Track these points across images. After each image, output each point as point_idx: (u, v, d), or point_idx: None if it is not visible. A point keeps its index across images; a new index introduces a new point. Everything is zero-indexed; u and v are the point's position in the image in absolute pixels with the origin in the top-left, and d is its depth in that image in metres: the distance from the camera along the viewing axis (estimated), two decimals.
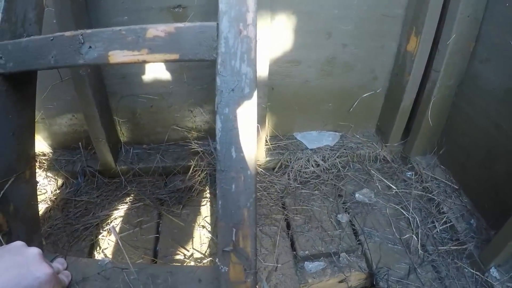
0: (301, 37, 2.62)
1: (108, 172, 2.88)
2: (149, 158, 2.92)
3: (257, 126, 2.53)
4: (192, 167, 2.80)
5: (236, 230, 1.26)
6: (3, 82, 1.52)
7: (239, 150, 1.20)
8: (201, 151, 2.82)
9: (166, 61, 1.29)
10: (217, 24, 1.23)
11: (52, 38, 1.40)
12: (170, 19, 2.44)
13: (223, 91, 1.20)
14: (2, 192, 1.54)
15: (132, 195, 2.76)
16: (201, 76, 2.65)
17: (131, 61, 1.31)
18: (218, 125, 1.20)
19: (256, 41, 1.23)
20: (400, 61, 2.81)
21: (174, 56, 1.28)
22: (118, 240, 2.34)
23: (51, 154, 2.98)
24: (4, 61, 1.48)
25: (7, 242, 1.52)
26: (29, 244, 1.71)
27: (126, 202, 2.71)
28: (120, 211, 2.64)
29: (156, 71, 2.61)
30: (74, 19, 2.21)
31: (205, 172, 2.77)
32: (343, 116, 3.08)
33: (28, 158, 1.73)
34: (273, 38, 2.59)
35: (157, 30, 1.27)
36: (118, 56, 1.31)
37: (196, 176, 2.77)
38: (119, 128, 2.92)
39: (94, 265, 1.72)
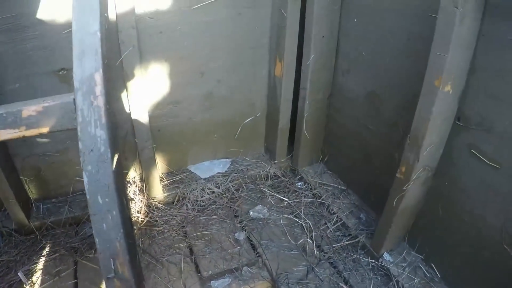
0: (177, 80, 2.92)
1: (23, 229, 3.05)
2: (59, 210, 3.12)
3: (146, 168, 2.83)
4: None
5: (113, 260, 1.58)
6: None
7: (103, 196, 1.52)
8: None
9: (40, 134, 1.60)
10: (74, 98, 1.56)
11: None
12: (57, 81, 2.68)
13: (85, 153, 1.52)
14: None
15: (48, 247, 2.94)
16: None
17: (13, 138, 1.60)
18: (85, 179, 1.52)
19: (106, 107, 1.56)
20: (271, 85, 3.15)
21: (45, 129, 1.59)
22: (27, 284, 2.55)
23: None
24: None
25: None
26: None
27: (43, 255, 2.89)
28: (39, 264, 2.82)
29: (53, 130, 2.78)
30: None
31: None
32: (231, 143, 3.38)
33: None
34: (151, 85, 2.86)
35: (29, 110, 1.57)
36: (3, 134, 1.59)
37: None
38: (27, 186, 3.09)
39: None
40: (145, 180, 3.10)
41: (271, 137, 3.39)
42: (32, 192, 3.14)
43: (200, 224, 3.03)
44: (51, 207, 3.16)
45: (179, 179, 3.32)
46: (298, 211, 3.06)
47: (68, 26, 2.44)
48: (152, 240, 2.91)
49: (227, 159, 3.46)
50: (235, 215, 3.11)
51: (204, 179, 3.32)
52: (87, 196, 1.52)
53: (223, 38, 2.87)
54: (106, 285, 1.60)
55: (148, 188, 3.10)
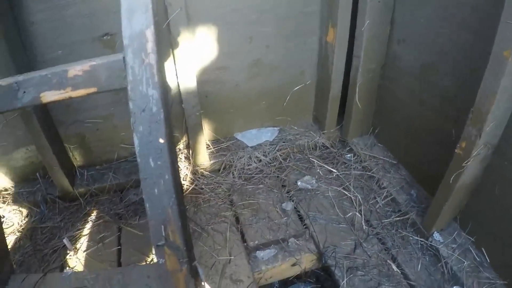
0: (225, 45, 2.85)
1: (67, 196, 3.08)
2: (103, 177, 3.13)
3: (190, 133, 2.77)
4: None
5: (164, 227, 1.51)
6: None
7: (155, 159, 1.45)
8: None
9: (88, 95, 1.54)
10: (123, 56, 1.48)
11: None
12: (101, 47, 2.65)
13: (136, 113, 1.45)
14: None
15: (92, 214, 2.97)
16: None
17: (59, 99, 1.56)
18: (136, 141, 1.46)
19: (158, 66, 1.48)
20: (323, 53, 3.05)
21: (93, 90, 1.54)
22: (72, 250, 2.53)
23: (12, 188, 3.15)
24: None
25: None
26: (0, 269, 1.95)
27: (87, 221, 2.91)
28: (83, 231, 2.84)
29: (96, 96, 2.73)
30: (12, 59, 2.43)
31: None
32: (279, 111, 3.31)
33: None
34: (198, 50, 2.80)
35: (75, 69, 1.52)
36: (48, 96, 1.56)
37: None
38: (71, 154, 3.11)
39: (59, 277, 1.95)
40: (191, 147, 3.07)
41: (321, 106, 3.30)
42: (76, 159, 3.16)
43: (246, 193, 3.00)
44: (95, 174, 3.18)
45: (225, 146, 3.29)
46: (347, 183, 2.99)
47: None
48: (198, 208, 2.90)
49: (275, 128, 3.40)
50: (282, 185, 3.07)
51: (251, 147, 3.28)
52: (138, 159, 1.46)
53: (273, 2, 2.78)
54: (156, 253, 1.55)
55: (194, 155, 3.08)
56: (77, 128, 2.99)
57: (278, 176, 3.13)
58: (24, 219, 3.04)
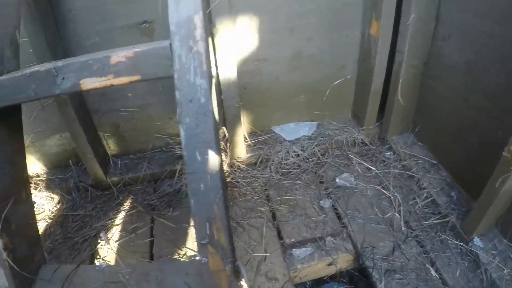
0: (266, 36, 2.76)
1: (100, 185, 3.04)
2: (137, 167, 3.09)
3: (230, 126, 2.68)
4: (177, 170, 2.97)
5: (209, 224, 1.43)
6: None
7: (202, 153, 1.37)
8: None
9: (130, 83, 1.46)
10: (170, 43, 1.38)
11: (29, 74, 1.57)
12: (138, 34, 2.58)
13: (183, 103, 1.37)
14: (3, 215, 1.68)
15: (125, 204, 2.93)
16: (173, 84, 2.75)
17: (100, 86, 1.49)
18: (182, 133, 1.38)
19: (207, 54, 1.39)
20: (365, 46, 2.94)
21: (137, 78, 1.46)
22: (108, 244, 2.49)
23: (45, 175, 3.13)
24: None
25: (12, 259, 1.69)
26: (33, 257, 1.89)
27: (120, 211, 2.88)
28: (115, 220, 2.81)
29: (132, 85, 2.76)
30: (49, 47, 2.38)
31: None
32: (318, 105, 3.22)
33: (23, 181, 1.90)
34: (239, 40, 2.72)
35: (118, 56, 1.44)
36: (88, 83, 1.49)
37: (183, 179, 2.93)
38: (105, 142, 3.07)
39: (92, 270, 1.88)
40: (229, 139, 2.99)
41: (361, 101, 3.19)
42: (110, 147, 3.13)
43: (283, 188, 2.92)
44: (129, 164, 3.14)
45: (263, 140, 3.21)
46: (386, 182, 2.89)
47: None
48: (234, 201, 2.83)
49: (313, 122, 3.30)
50: (320, 181, 2.98)
51: (289, 141, 3.19)
52: (184, 152, 1.39)
53: None
54: (199, 251, 1.48)
55: (231, 147, 3.01)
56: (112, 117, 2.95)
57: (316, 172, 3.04)
58: (55, 206, 3.02)
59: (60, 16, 2.47)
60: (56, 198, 3.06)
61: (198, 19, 1.40)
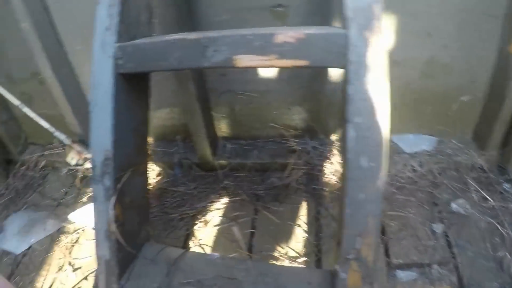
0: (401, 37, 2.59)
1: (206, 165, 2.98)
2: (246, 153, 2.99)
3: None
4: (289, 164, 2.84)
5: (360, 239, 1.27)
6: (123, 82, 1.62)
7: (369, 159, 1.23)
8: (299, 149, 2.87)
9: (295, 67, 1.33)
10: (345, 31, 1.23)
11: (173, 41, 1.50)
12: (271, 18, 2.46)
13: (355, 100, 1.22)
14: (120, 185, 1.60)
15: (229, 189, 2.84)
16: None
17: (258, 66, 1.37)
18: (350, 133, 1.24)
19: (384, 48, 1.24)
20: (501, 65, 2.69)
21: (304, 63, 1.32)
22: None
23: (149, 146, 3.09)
24: (124, 62, 1.57)
25: (121, 233, 1.61)
26: (139, 234, 1.80)
27: (223, 196, 2.80)
28: (216, 204, 2.74)
29: (254, 69, 2.66)
30: (176, 20, 2.32)
31: (302, 171, 2.82)
32: (441, 120, 3.01)
33: (144, 153, 1.85)
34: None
35: (286, 35, 1.31)
36: (245, 60, 1.38)
37: (293, 175, 2.81)
38: (217, 123, 3.01)
39: (202, 259, 1.77)
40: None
41: (486, 124, 2.95)
42: (221, 129, 3.06)
43: (397, 203, 2.74)
44: (239, 149, 3.05)
45: None
46: (502, 217, 2.64)
47: None
48: None
49: (433, 137, 3.09)
50: (434, 203, 2.78)
51: (408, 153, 2.99)
52: (348, 155, 1.27)
53: None
54: (339, 264, 1.36)
55: None
56: (229, 99, 2.87)
57: (431, 192, 2.84)
58: (155, 178, 3.00)
59: None
60: (157, 170, 3.03)
61: (377, 9, 1.27)
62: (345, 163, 1.32)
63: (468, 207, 2.70)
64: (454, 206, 2.72)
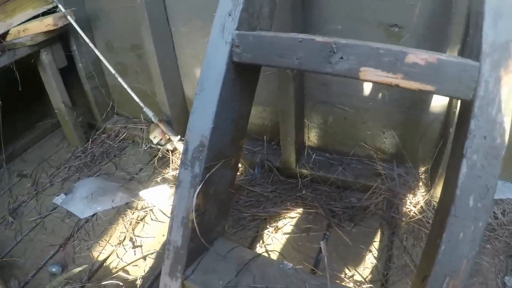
0: None
1: (287, 171, 2.97)
2: (331, 168, 2.95)
3: None
4: (372, 188, 2.80)
5: (448, 279, 1.24)
6: (234, 71, 1.63)
7: (477, 199, 1.21)
8: (384, 174, 2.81)
9: (420, 91, 1.31)
10: (478, 64, 1.20)
11: (300, 39, 1.49)
12: (384, 36, 2.44)
13: (476, 136, 1.20)
14: (209, 174, 1.61)
15: (306, 200, 2.81)
16: (402, 99, 2.63)
17: (383, 82, 1.36)
18: (463, 170, 1.21)
19: None
20: None
21: (430, 88, 1.31)
22: (325, 255, 2.37)
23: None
24: (241, 51, 1.57)
25: (198, 223, 1.62)
26: (214, 227, 1.81)
27: (298, 205, 2.77)
28: (290, 212, 2.72)
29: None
30: (290, 20, 2.32)
31: (383, 196, 2.76)
32: None
33: (238, 146, 1.85)
34: None
35: (417, 57, 1.29)
36: (370, 74, 1.37)
37: (373, 198, 2.76)
38: (307, 131, 2.99)
39: (275, 266, 1.76)
40: (438, 175, 2.72)
41: None
42: (309, 138, 3.04)
43: None
44: (323, 161, 3.01)
45: None
46: None
47: None
48: (418, 241, 2.59)
49: None
50: (510, 255, 2.66)
51: (493, 199, 2.83)
52: (457, 192, 1.19)
53: None
54: None
55: (435, 185, 2.72)
56: (324, 109, 2.84)
57: (508, 243, 2.73)
58: None
59: None
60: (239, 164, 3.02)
61: None
62: (448, 197, 1.29)
63: None
64: None
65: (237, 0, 1.57)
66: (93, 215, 2.87)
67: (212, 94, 1.57)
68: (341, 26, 2.47)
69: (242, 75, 1.66)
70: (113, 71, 3.02)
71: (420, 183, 2.82)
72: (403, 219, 2.67)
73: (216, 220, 1.84)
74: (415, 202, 2.76)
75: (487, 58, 1.21)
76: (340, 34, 2.46)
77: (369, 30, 2.44)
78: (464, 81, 1.23)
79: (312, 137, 3.02)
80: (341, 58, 1.39)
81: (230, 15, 1.58)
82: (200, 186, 1.60)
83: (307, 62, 1.46)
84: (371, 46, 1.34)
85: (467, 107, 1.27)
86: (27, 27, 2.98)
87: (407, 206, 2.74)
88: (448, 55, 1.32)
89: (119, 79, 3.01)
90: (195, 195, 1.60)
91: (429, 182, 2.81)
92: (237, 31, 1.56)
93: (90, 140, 3.70)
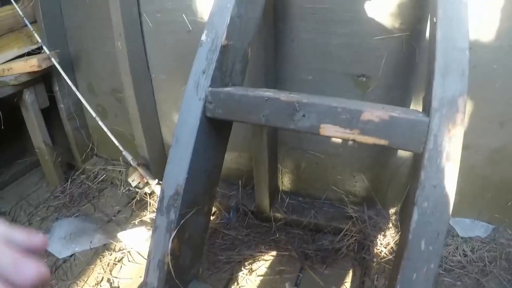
0: (474, 123, 2.62)
1: (261, 215, 3.06)
2: (303, 211, 3.04)
3: None
4: (343, 230, 2.89)
5: None
6: (207, 125, 1.75)
7: (428, 243, 1.31)
8: (355, 216, 2.91)
9: (374, 145, 1.43)
10: (429, 120, 1.34)
11: (267, 98, 1.59)
12: (352, 85, 2.57)
13: (426, 186, 1.32)
14: (183, 221, 1.72)
15: (279, 243, 2.89)
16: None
17: (341, 137, 1.49)
18: (415, 216, 1.32)
19: (461, 141, 1.36)
20: None
21: (383, 142, 1.43)
22: None
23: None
24: (213, 107, 1.69)
25: (174, 266, 1.72)
26: (189, 270, 1.91)
27: (272, 248, 2.85)
28: (264, 255, 2.80)
29: None
30: (263, 70, 2.46)
31: (355, 238, 2.85)
32: (501, 208, 2.99)
33: (211, 194, 1.96)
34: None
35: (372, 114, 1.41)
36: (329, 130, 1.49)
37: (345, 240, 2.85)
38: (280, 176, 3.08)
39: None
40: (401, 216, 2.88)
41: None
42: (283, 183, 3.13)
43: (442, 286, 2.77)
44: (296, 205, 3.11)
45: None
46: None
47: (381, 32, 2.37)
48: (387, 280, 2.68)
49: (490, 225, 3.09)
50: None
51: (462, 238, 3.02)
52: (409, 236, 1.33)
53: None
54: None
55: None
56: (297, 155, 2.95)
57: (478, 280, 2.83)
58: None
59: (282, 44, 2.53)
60: (213, 210, 3.08)
61: (462, 102, 1.35)
62: (403, 242, 1.39)
63: None
64: None
65: (211, 59, 1.69)
66: (71, 255, 2.91)
67: (186, 147, 1.67)
68: (312, 76, 2.59)
69: (215, 129, 1.77)
70: (93, 114, 3.10)
71: (390, 224, 2.92)
72: (374, 259, 2.76)
73: (190, 263, 1.92)
74: (386, 243, 2.85)
75: (436, 113, 1.34)
76: (310, 84, 2.61)
77: (338, 80, 2.56)
78: (415, 136, 1.36)
79: (285, 181, 3.12)
80: (303, 115, 1.51)
81: (204, 72, 1.69)
82: (175, 231, 1.69)
83: (272, 119, 1.58)
84: (330, 105, 1.46)
85: (418, 159, 1.40)
86: (12, 66, 3.06)
87: (378, 247, 2.83)
88: (401, 111, 1.42)
89: (99, 122, 3.09)
90: (171, 240, 1.68)
91: (398, 223, 2.90)
92: (210, 88, 1.67)
93: (70, 181, 3.75)
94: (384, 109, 1.42)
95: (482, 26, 2.30)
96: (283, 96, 1.58)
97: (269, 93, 1.61)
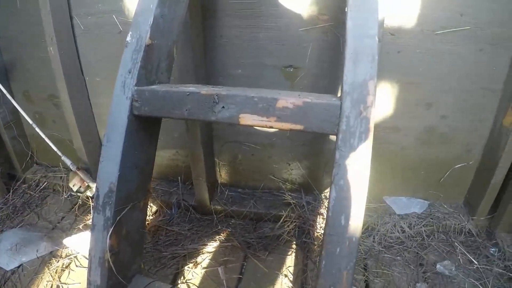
0: (402, 106, 2.75)
1: (202, 209, 3.11)
2: (243, 202, 3.12)
3: None
4: (283, 217, 2.97)
5: None
6: (135, 123, 1.81)
7: (347, 218, 1.39)
8: (293, 203, 3.00)
9: (290, 130, 1.51)
10: (341, 103, 1.42)
11: (188, 93, 1.66)
12: (282, 77, 2.65)
13: (341, 165, 1.41)
14: (119, 217, 1.76)
15: (222, 234, 2.95)
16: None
17: (259, 125, 1.56)
18: (333, 194, 1.41)
19: (373, 121, 1.42)
20: (495, 135, 2.85)
21: (299, 127, 1.51)
22: (223, 279, 2.50)
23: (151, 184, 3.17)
24: (140, 105, 1.76)
25: (114, 262, 1.77)
26: (131, 265, 1.95)
27: (215, 240, 2.91)
28: (208, 247, 2.84)
29: None
30: (193, 67, 2.49)
31: (294, 223, 2.94)
32: (434, 185, 3.14)
33: (145, 190, 2.00)
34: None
35: (286, 101, 1.50)
36: (248, 119, 1.56)
37: (285, 227, 2.93)
38: (218, 170, 3.14)
39: None
40: None
41: (477, 190, 3.09)
42: (221, 176, 3.19)
43: (383, 261, 2.85)
44: (236, 196, 3.18)
45: (373, 207, 3.17)
46: (486, 279, 2.74)
47: (305, 24, 2.45)
48: None
49: (425, 201, 3.22)
50: (420, 263, 2.88)
51: (398, 215, 3.13)
52: (329, 213, 1.42)
53: (457, 71, 2.62)
54: None
55: None
56: (233, 148, 3.02)
57: (417, 253, 2.94)
58: (151, 215, 3.10)
59: (211, 40, 2.57)
60: (154, 208, 3.15)
61: (372, 85, 1.44)
62: (326, 220, 1.49)
63: (453, 268, 2.80)
64: (439, 267, 2.82)
65: (136, 59, 1.76)
66: (19, 266, 2.87)
67: (117, 145, 1.73)
68: (241, 70, 2.66)
69: (145, 126, 1.82)
70: (30, 121, 3.09)
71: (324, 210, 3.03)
72: (315, 242, 2.84)
73: (131, 259, 1.97)
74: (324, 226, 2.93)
75: (347, 96, 1.43)
76: (241, 78, 2.68)
77: (268, 72, 2.64)
78: (328, 119, 1.45)
79: (224, 174, 3.18)
80: (223, 107, 1.59)
81: (130, 72, 1.75)
82: (112, 228, 1.74)
83: (194, 112, 1.65)
84: (247, 95, 1.54)
85: (335, 141, 1.49)
86: None
87: (318, 230, 2.92)
88: (316, 96, 1.51)
89: (37, 129, 3.09)
90: (108, 237, 1.74)
91: None
92: (136, 87, 1.73)
93: (11, 191, 3.69)
94: (299, 96, 1.51)
95: (404, 13, 2.40)
96: (204, 90, 1.65)
97: (191, 88, 1.68)
